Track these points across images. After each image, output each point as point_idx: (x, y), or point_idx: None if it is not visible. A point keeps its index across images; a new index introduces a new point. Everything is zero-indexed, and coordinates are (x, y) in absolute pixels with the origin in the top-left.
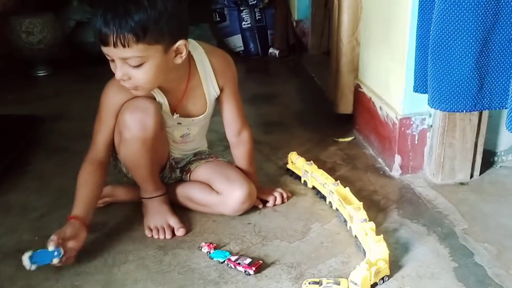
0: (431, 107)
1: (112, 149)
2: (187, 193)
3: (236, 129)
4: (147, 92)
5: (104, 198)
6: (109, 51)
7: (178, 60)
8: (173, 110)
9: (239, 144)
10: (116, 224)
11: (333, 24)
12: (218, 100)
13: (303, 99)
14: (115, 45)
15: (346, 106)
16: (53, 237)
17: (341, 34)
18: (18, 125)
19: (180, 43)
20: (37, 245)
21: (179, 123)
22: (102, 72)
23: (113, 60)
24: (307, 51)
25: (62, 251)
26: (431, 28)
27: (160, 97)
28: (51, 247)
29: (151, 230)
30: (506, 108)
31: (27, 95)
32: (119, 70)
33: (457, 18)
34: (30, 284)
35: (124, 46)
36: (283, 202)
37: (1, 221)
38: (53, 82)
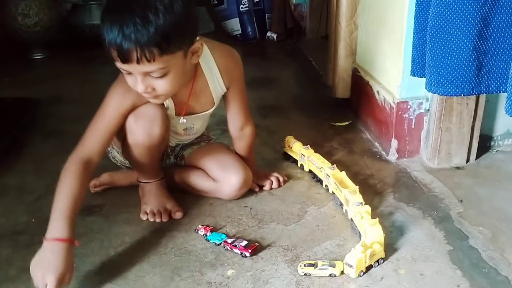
0: (429, 91)
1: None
2: (184, 179)
3: (239, 124)
4: (167, 99)
5: (102, 186)
6: (130, 68)
7: (195, 60)
8: (179, 112)
9: (241, 138)
10: (112, 207)
11: (331, 8)
12: (223, 96)
13: (301, 83)
14: (139, 61)
15: (344, 90)
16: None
17: (339, 18)
18: (14, 108)
19: (197, 42)
20: (33, 227)
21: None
22: (98, 55)
23: (130, 73)
24: (305, 35)
25: None
26: (430, 12)
27: (167, 100)
28: None
29: (147, 213)
30: (503, 92)
31: (23, 78)
32: (141, 84)
33: (455, 2)
34: (26, 266)
35: (149, 60)
36: (279, 186)
37: None
38: (50, 65)
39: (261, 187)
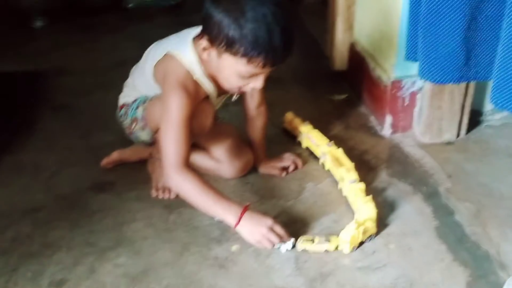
0: (421, 78)
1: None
2: None
3: (257, 102)
4: None
5: (113, 163)
6: (267, 69)
7: None
8: (219, 93)
9: (258, 116)
10: (123, 184)
11: None
12: None
13: (299, 53)
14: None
15: (341, 63)
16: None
17: None
18: (22, 82)
19: None
20: (51, 204)
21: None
22: (98, 23)
23: (250, 76)
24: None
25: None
26: (422, 5)
27: (211, 87)
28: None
29: (157, 190)
30: (490, 80)
31: (26, 48)
32: (263, 80)
33: None
34: (47, 241)
35: None
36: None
37: (14, 181)
38: (50, 33)
39: (283, 170)
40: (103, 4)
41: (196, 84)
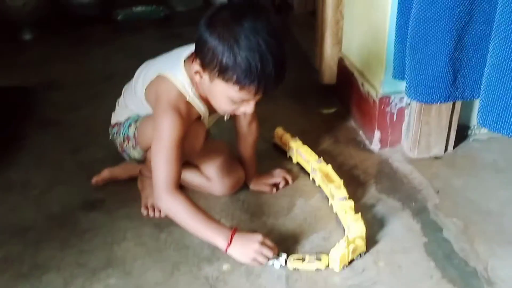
0: (408, 98)
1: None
2: None
3: (248, 119)
4: None
5: (103, 181)
6: (258, 97)
7: None
8: (210, 112)
9: (249, 134)
10: (113, 201)
11: None
12: None
13: (289, 65)
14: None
15: (330, 77)
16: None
17: (326, 6)
18: (9, 97)
19: None
20: (40, 223)
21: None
22: (88, 35)
23: (242, 101)
24: (293, 10)
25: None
26: (409, 27)
27: (203, 108)
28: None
29: (147, 208)
30: (476, 98)
31: (14, 61)
32: (254, 105)
33: (433, 17)
34: (38, 262)
35: None
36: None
37: (4, 199)
38: (40, 46)
39: (274, 186)
40: (92, 16)
41: (188, 105)
